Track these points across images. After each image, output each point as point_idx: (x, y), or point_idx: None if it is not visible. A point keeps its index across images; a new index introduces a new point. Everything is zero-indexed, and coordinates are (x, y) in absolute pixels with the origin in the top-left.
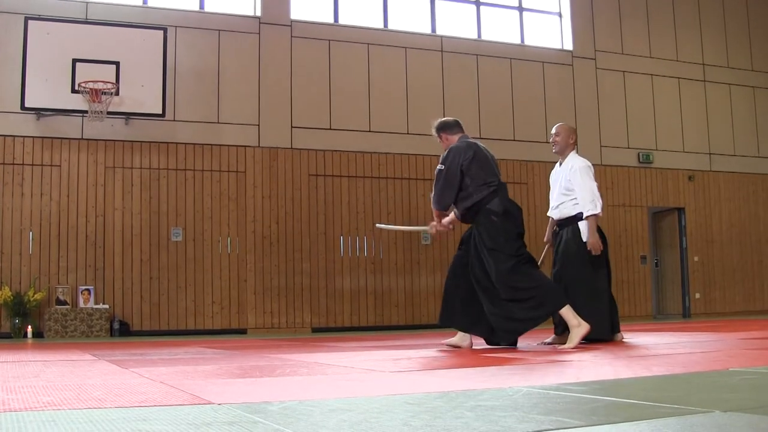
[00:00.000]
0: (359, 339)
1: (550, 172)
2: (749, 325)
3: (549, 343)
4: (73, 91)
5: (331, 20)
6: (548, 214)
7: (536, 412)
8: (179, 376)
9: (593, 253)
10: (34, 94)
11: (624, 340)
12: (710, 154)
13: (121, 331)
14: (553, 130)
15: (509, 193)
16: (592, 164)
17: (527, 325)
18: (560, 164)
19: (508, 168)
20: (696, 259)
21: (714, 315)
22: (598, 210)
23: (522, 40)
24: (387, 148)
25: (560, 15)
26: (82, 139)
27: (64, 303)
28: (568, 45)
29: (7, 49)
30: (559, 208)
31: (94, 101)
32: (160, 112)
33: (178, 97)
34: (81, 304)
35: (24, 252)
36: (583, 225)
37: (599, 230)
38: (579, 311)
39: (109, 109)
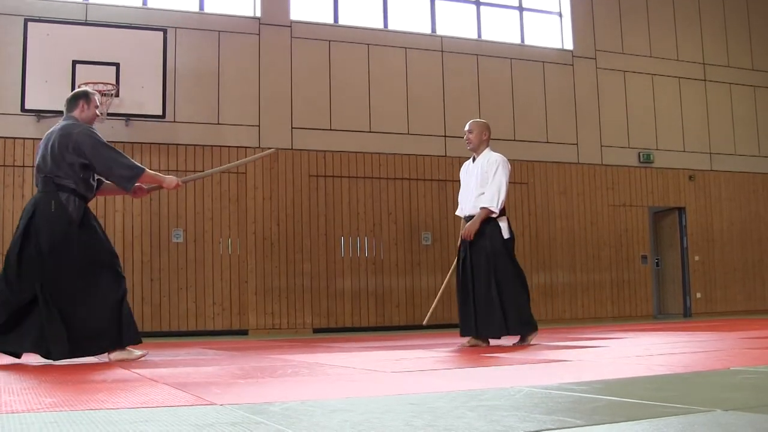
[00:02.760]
0: (360, 339)
1: (550, 172)
2: (750, 325)
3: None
4: None
5: (331, 21)
6: (458, 213)
7: (538, 412)
8: (181, 377)
9: (463, 238)
10: (34, 96)
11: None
12: (711, 153)
13: None
14: (466, 127)
15: None
16: (592, 163)
17: None
18: (473, 160)
19: None
20: (697, 258)
21: (715, 314)
22: (494, 208)
23: (522, 40)
24: (387, 148)
25: (560, 15)
26: None
27: None
28: (569, 45)
29: (6, 51)
30: (476, 205)
31: None
32: (161, 114)
33: (179, 98)
34: None
35: None
36: (502, 222)
37: (511, 231)
38: (524, 306)
39: (110, 111)
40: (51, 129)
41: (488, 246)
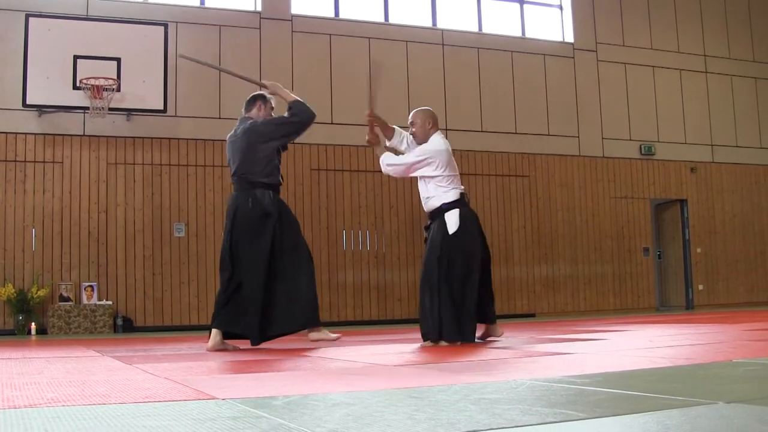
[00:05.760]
0: (362, 333)
1: (552, 165)
2: (753, 316)
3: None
4: (75, 87)
5: (331, 14)
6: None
7: (540, 405)
8: (183, 371)
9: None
10: (36, 91)
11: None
12: (712, 145)
13: (124, 327)
14: (409, 119)
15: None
16: (594, 156)
17: None
18: None
19: (509, 161)
20: (699, 250)
21: (717, 306)
22: (382, 164)
23: (523, 33)
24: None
25: (561, 7)
26: (84, 135)
27: (68, 299)
28: (569, 37)
29: (8, 46)
30: (429, 200)
31: (95, 98)
32: (162, 108)
33: (180, 92)
34: (84, 300)
35: (27, 249)
36: (449, 216)
37: (461, 223)
38: (432, 312)
39: (111, 106)
40: (232, 132)
41: (430, 243)
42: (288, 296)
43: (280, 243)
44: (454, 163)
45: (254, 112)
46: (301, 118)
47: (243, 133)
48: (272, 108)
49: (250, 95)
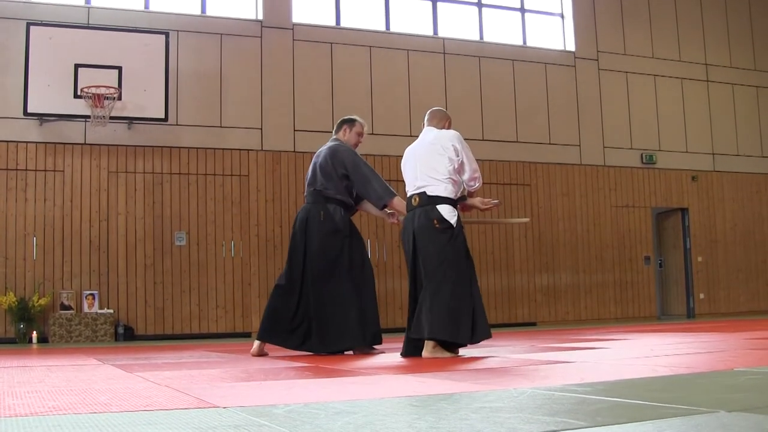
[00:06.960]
0: None
1: (553, 174)
2: (754, 325)
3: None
4: (76, 96)
5: (333, 23)
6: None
7: (541, 413)
8: (184, 379)
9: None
10: (37, 100)
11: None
12: (713, 154)
13: (125, 335)
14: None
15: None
16: (595, 164)
17: None
18: None
19: (510, 169)
20: (700, 259)
21: (718, 315)
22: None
23: (524, 42)
24: (389, 150)
25: (562, 16)
26: (85, 144)
27: (69, 308)
28: (571, 46)
29: (9, 55)
30: None
31: (96, 106)
32: (163, 117)
33: (181, 101)
34: (85, 308)
35: (28, 257)
36: None
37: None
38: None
39: (112, 114)
40: (320, 149)
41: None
42: (355, 313)
43: (350, 260)
44: (402, 169)
45: (341, 134)
46: (375, 193)
47: (327, 150)
48: (359, 133)
49: (340, 119)
